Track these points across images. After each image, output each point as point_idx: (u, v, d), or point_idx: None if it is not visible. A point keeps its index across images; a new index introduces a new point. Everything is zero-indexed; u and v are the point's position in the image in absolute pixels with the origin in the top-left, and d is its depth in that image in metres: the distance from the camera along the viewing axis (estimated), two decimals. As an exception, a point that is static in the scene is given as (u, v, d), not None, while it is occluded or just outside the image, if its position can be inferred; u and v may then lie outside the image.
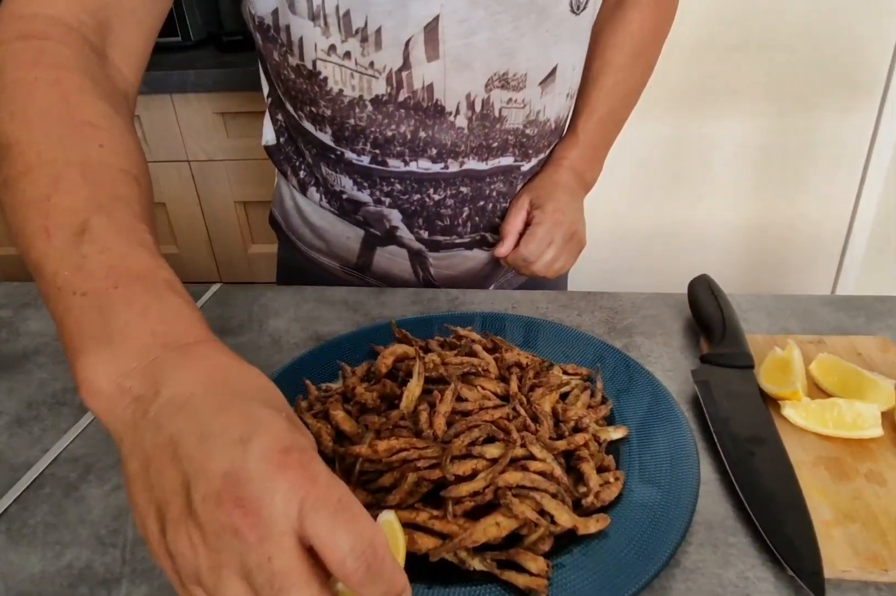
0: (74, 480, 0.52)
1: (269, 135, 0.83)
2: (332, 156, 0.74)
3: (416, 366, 0.51)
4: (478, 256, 0.83)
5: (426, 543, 0.42)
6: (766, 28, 1.41)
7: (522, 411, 0.50)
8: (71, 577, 0.44)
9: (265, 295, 0.78)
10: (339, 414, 0.52)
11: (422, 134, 0.70)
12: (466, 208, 0.77)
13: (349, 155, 0.73)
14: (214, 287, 0.80)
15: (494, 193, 0.77)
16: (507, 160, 0.75)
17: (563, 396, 0.56)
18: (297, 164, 0.81)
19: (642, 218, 1.56)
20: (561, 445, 0.49)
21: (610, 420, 0.54)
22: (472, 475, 0.45)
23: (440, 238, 0.79)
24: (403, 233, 0.79)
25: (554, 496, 0.44)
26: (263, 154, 1.63)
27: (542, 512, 0.44)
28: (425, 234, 0.79)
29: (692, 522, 0.44)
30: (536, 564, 0.41)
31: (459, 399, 0.51)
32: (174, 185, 1.65)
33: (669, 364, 0.63)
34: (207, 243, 1.73)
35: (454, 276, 0.85)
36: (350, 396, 0.55)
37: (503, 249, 0.76)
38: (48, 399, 0.62)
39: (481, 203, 0.77)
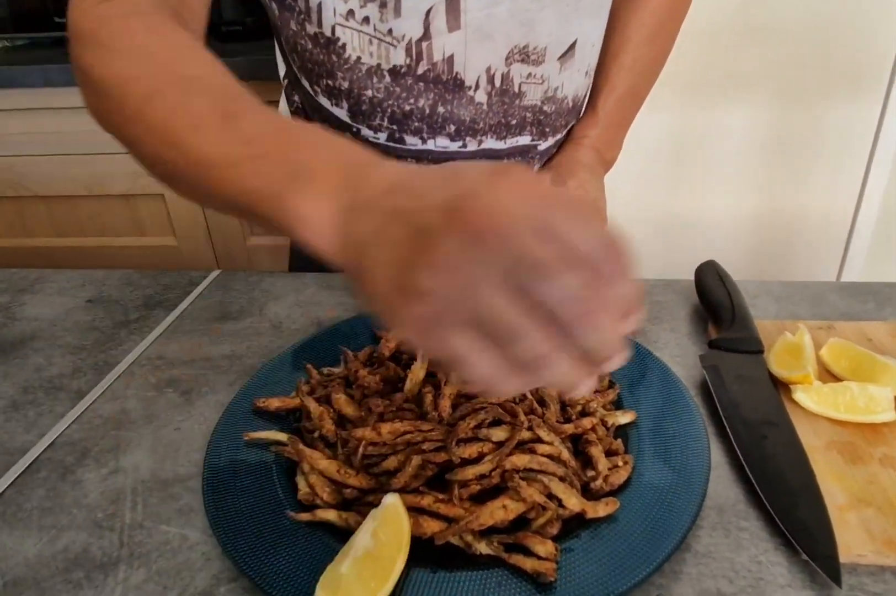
0: (71, 464, 0.51)
1: (284, 112, 0.81)
2: (348, 134, 0.72)
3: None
4: None
5: (431, 526, 0.41)
6: (772, 18, 1.40)
7: (529, 394, 0.49)
8: (67, 561, 0.42)
9: (265, 280, 0.77)
10: (341, 397, 0.51)
11: (440, 109, 0.68)
12: None
13: (365, 132, 0.71)
14: (214, 273, 0.79)
15: None
16: (524, 139, 0.73)
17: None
18: None
19: (647, 207, 1.55)
20: (568, 428, 0.48)
21: (618, 405, 0.53)
22: (479, 458, 0.44)
23: None
24: None
25: (562, 480, 0.43)
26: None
27: (550, 496, 0.43)
28: None
29: (703, 506, 0.43)
30: (545, 547, 0.40)
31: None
32: (173, 175, 1.64)
33: (677, 350, 0.62)
34: (206, 235, 1.72)
35: None
36: (353, 380, 0.53)
37: None
38: (45, 384, 0.61)
39: None
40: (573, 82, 0.73)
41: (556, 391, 0.51)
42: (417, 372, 0.50)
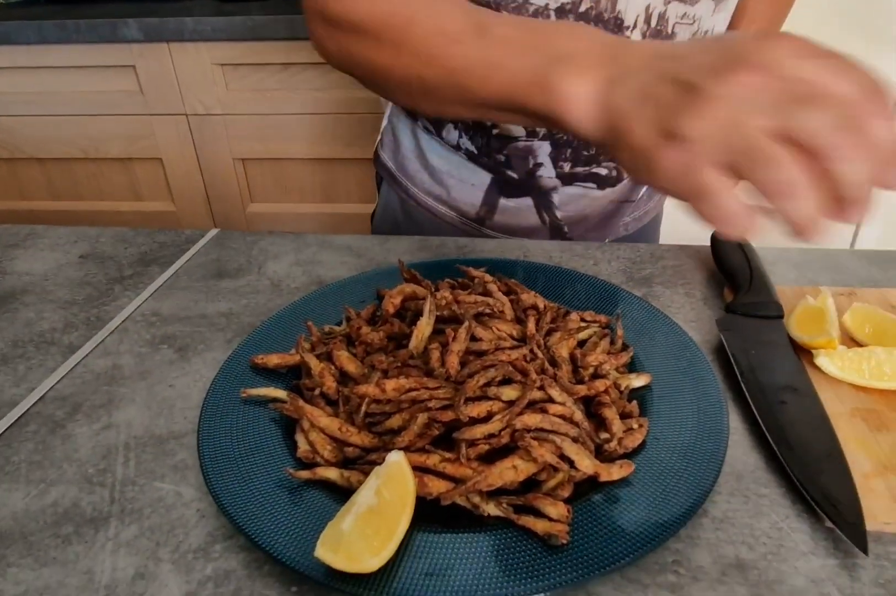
0: (61, 419, 0.49)
1: None
2: None
3: (427, 303, 0.48)
4: (606, 196, 0.78)
5: (437, 486, 0.39)
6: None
7: (540, 354, 0.47)
8: (56, 515, 0.41)
9: (264, 239, 0.75)
10: (342, 354, 0.49)
11: None
12: None
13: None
14: (212, 232, 0.77)
15: None
16: None
17: (581, 344, 0.53)
18: None
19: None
20: (581, 389, 0.45)
21: (631, 369, 0.51)
22: (487, 418, 0.42)
23: (580, 170, 0.74)
24: (545, 171, 0.73)
25: (575, 440, 0.41)
26: (265, 109, 1.59)
27: (562, 457, 0.41)
28: (567, 167, 0.73)
29: (720, 472, 0.41)
30: (556, 509, 0.38)
31: (473, 339, 0.47)
32: (171, 139, 1.60)
33: (692, 315, 0.59)
34: (205, 201, 1.69)
35: (582, 217, 0.80)
36: (355, 338, 0.51)
37: None
38: (35, 338, 0.58)
39: None
40: (722, 26, 0.69)
41: (567, 352, 0.49)
42: (423, 328, 0.48)
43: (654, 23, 0.64)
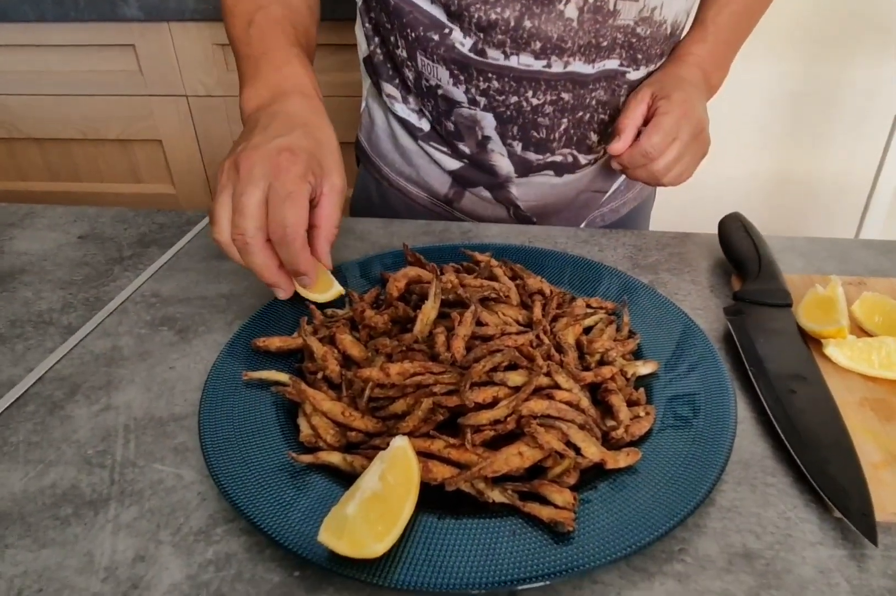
0: (60, 400, 0.48)
1: (362, 45, 0.79)
2: (435, 38, 0.67)
3: (433, 286, 0.47)
4: (568, 182, 0.78)
5: (442, 472, 0.39)
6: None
7: (546, 340, 0.46)
8: (55, 496, 0.40)
9: (267, 222, 0.73)
10: (346, 338, 0.48)
11: (527, 23, 0.63)
12: (565, 120, 0.71)
13: (455, 34, 0.66)
14: (213, 213, 0.75)
15: (594, 102, 0.71)
16: (612, 63, 0.68)
17: (587, 331, 0.52)
18: (390, 69, 0.76)
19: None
20: (588, 376, 0.45)
21: (637, 356, 0.50)
22: (493, 403, 0.42)
23: (532, 156, 0.74)
24: (495, 145, 0.73)
25: (581, 427, 0.41)
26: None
27: (568, 444, 0.40)
28: (518, 148, 0.73)
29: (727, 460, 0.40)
30: (562, 496, 0.37)
31: (479, 324, 0.47)
32: (171, 121, 1.58)
33: (699, 302, 0.59)
34: (205, 184, 1.67)
35: (546, 208, 0.80)
36: (358, 321, 0.50)
37: (620, 144, 0.66)
38: (33, 318, 0.57)
39: (580, 113, 0.71)
40: (673, 5, 0.67)
41: (573, 338, 0.49)
42: (428, 312, 0.47)
43: None
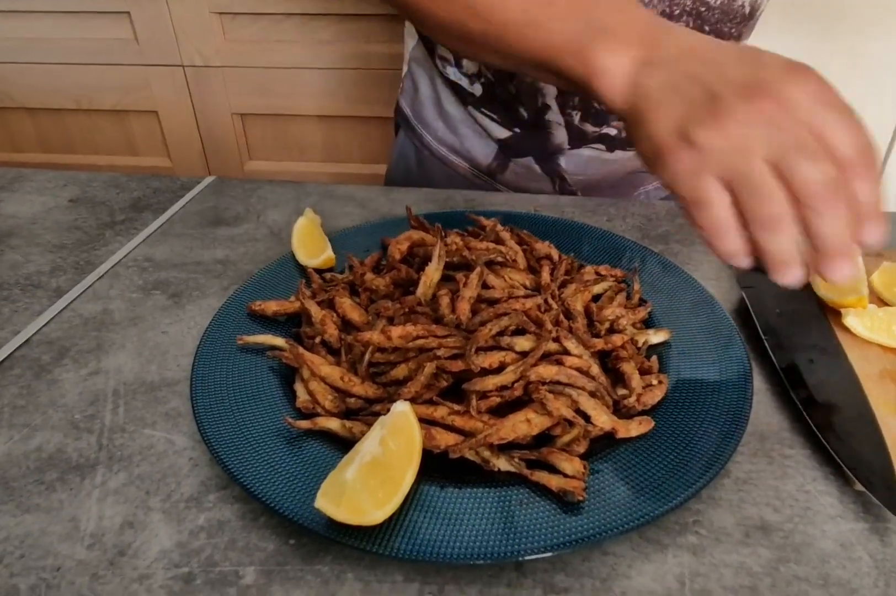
0: (47, 363, 0.46)
1: None
2: None
3: (437, 247, 0.45)
4: (619, 159, 0.74)
5: (445, 439, 0.37)
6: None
7: (555, 305, 0.45)
8: (40, 460, 0.38)
9: (263, 188, 0.71)
10: (345, 301, 0.46)
11: None
12: None
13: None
14: (208, 179, 0.73)
15: None
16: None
17: (595, 299, 0.50)
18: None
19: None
20: (598, 343, 0.43)
21: (649, 325, 0.48)
22: (499, 369, 0.40)
23: (589, 127, 0.70)
24: (553, 115, 0.69)
25: (592, 395, 0.39)
26: (265, 62, 1.53)
27: (578, 411, 0.38)
28: (576, 117, 0.69)
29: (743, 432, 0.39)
30: (572, 464, 0.36)
31: (485, 287, 0.45)
32: (167, 91, 1.54)
33: (711, 272, 0.57)
34: (202, 157, 1.64)
35: (592, 183, 0.76)
36: (358, 285, 0.48)
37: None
38: (21, 281, 0.55)
39: None
40: None
41: (581, 305, 0.47)
42: (432, 273, 0.45)
43: None
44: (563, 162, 0.74)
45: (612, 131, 0.71)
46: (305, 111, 1.53)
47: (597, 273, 0.52)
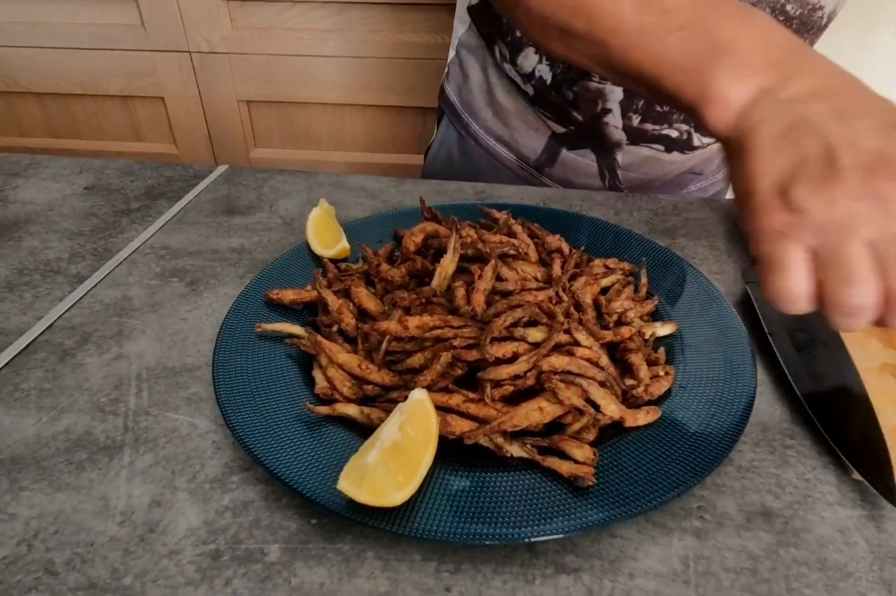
0: (71, 348, 0.47)
1: None
2: None
3: (452, 240, 0.46)
4: (675, 161, 0.72)
5: (461, 425, 0.39)
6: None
7: (565, 297, 0.46)
8: (69, 441, 0.40)
9: (275, 177, 0.72)
10: (361, 291, 0.47)
11: None
12: None
13: None
14: (221, 167, 0.74)
15: None
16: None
17: (604, 292, 0.51)
18: (505, 24, 0.68)
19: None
20: (607, 334, 0.44)
21: (656, 318, 0.50)
22: (513, 359, 0.41)
23: (649, 127, 0.68)
24: (612, 118, 0.68)
25: (602, 385, 0.40)
26: (272, 48, 1.53)
27: (588, 401, 0.40)
28: (636, 120, 0.67)
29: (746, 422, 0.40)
30: (582, 451, 0.37)
31: (498, 279, 0.46)
32: (174, 78, 1.55)
33: (716, 267, 0.58)
34: (207, 144, 1.64)
35: (644, 182, 0.76)
36: (374, 275, 0.50)
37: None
38: (41, 266, 0.56)
39: None
40: None
41: (590, 298, 0.48)
42: (447, 265, 0.46)
43: None
44: (619, 157, 0.73)
45: (674, 133, 0.69)
46: (311, 99, 1.53)
47: (605, 266, 0.53)
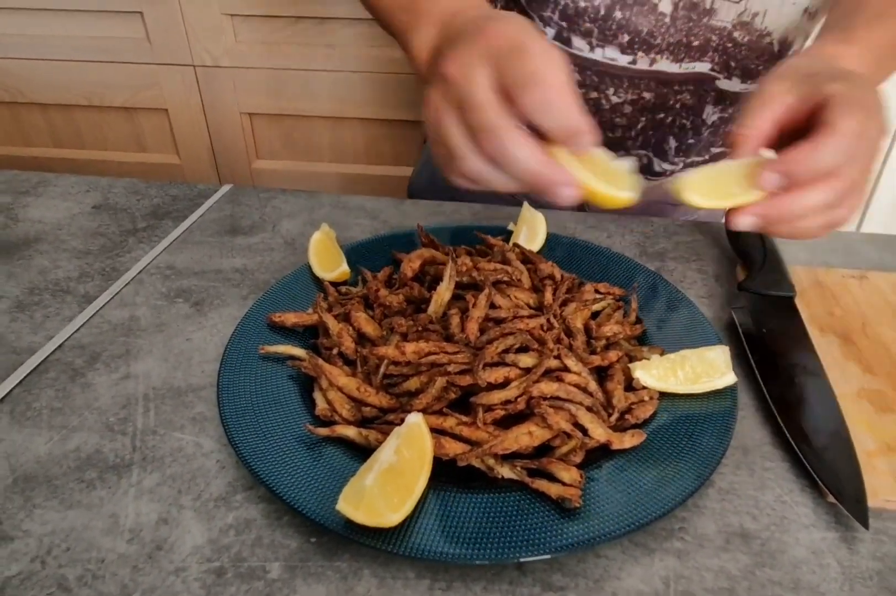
0: (80, 367, 0.49)
1: None
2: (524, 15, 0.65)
3: (448, 268, 0.48)
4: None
5: (454, 447, 0.40)
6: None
7: (556, 324, 0.48)
8: (79, 460, 0.41)
9: (278, 198, 0.74)
10: (361, 316, 0.49)
11: (617, 14, 0.61)
12: (643, 118, 0.68)
13: (536, 22, 0.64)
14: (225, 187, 0.76)
15: (678, 105, 0.67)
16: (703, 66, 0.64)
17: (594, 316, 0.53)
18: None
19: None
20: (595, 359, 0.46)
21: (643, 342, 0.52)
22: (504, 384, 0.43)
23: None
24: None
25: (589, 409, 0.42)
26: (275, 63, 1.56)
27: (576, 425, 0.42)
28: None
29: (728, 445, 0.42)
30: (569, 473, 0.39)
31: (492, 306, 0.48)
32: (178, 90, 1.57)
33: (704, 291, 0.60)
34: (210, 155, 1.67)
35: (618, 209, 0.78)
36: (372, 300, 0.52)
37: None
38: (50, 286, 0.58)
39: (661, 115, 0.68)
40: (782, 15, 0.61)
41: (581, 323, 0.50)
42: (443, 293, 0.48)
43: None
44: None
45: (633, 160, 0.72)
46: (313, 112, 1.56)
47: (596, 291, 0.55)
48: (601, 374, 0.47)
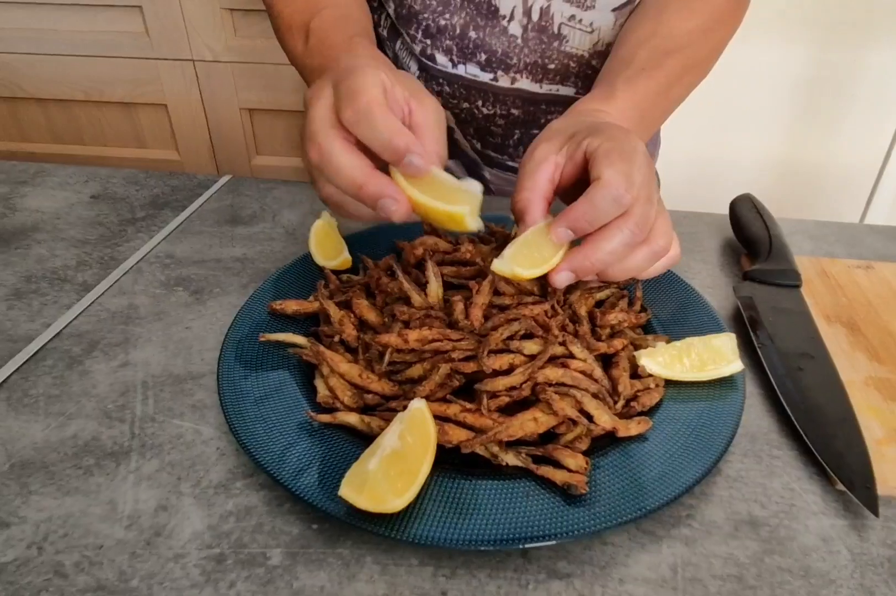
0: (78, 355, 0.49)
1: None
2: (396, 32, 0.69)
3: (429, 268, 0.48)
4: None
5: (458, 434, 0.40)
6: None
7: (560, 310, 0.47)
8: (76, 447, 0.41)
9: (278, 188, 0.74)
10: (362, 303, 0.48)
11: (472, 34, 0.64)
12: (517, 131, 0.71)
13: (406, 40, 0.67)
14: (225, 177, 0.75)
15: (548, 122, 0.69)
16: (567, 90, 0.68)
17: (598, 305, 0.53)
18: (386, 46, 0.74)
19: (674, 148, 1.50)
20: (601, 346, 0.46)
21: (648, 331, 0.51)
22: (509, 370, 0.42)
23: (493, 154, 0.74)
24: (459, 137, 0.73)
25: (595, 396, 0.42)
26: (274, 58, 1.55)
27: (581, 412, 0.41)
28: (478, 145, 0.73)
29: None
30: (575, 460, 0.38)
31: (496, 293, 0.47)
32: (177, 85, 1.56)
33: (709, 281, 0.60)
34: (209, 150, 1.66)
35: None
36: (373, 288, 0.51)
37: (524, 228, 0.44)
38: (48, 274, 0.58)
39: (535, 130, 0.70)
40: None
41: (585, 310, 0.49)
42: (435, 292, 0.47)
43: (535, 17, 0.62)
44: (486, 174, 0.77)
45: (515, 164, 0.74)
46: (313, 108, 1.55)
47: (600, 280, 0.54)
48: (606, 361, 0.46)
